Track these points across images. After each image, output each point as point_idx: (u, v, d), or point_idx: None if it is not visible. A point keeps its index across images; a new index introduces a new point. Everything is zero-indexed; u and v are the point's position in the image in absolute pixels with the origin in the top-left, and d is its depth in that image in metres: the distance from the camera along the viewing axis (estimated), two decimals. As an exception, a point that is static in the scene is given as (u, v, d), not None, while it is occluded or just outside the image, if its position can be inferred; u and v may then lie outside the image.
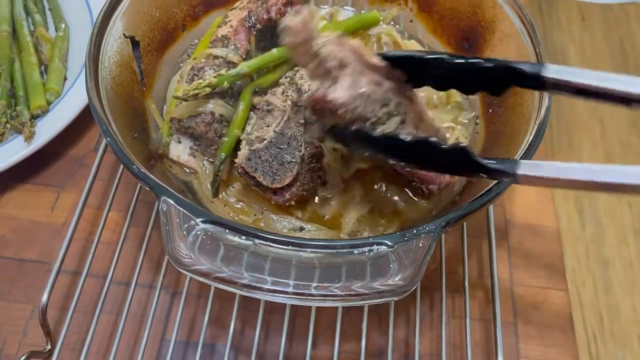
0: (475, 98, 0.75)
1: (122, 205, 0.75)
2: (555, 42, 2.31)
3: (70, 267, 0.71)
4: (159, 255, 0.72)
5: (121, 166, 0.73)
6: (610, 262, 1.78)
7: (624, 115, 2.10)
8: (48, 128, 0.78)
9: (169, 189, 0.53)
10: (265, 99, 0.69)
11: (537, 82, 0.51)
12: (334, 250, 0.51)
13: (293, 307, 0.66)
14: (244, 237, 0.51)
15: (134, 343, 0.67)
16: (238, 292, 0.52)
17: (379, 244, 0.51)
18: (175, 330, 0.63)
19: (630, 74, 0.46)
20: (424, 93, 0.77)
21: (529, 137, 0.59)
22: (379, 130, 0.56)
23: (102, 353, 0.66)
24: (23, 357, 0.61)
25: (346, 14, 0.85)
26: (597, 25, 2.38)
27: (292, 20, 0.52)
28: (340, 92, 0.53)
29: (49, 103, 0.82)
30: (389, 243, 0.51)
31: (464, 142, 0.73)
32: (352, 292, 0.50)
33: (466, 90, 0.57)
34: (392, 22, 0.83)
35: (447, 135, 0.72)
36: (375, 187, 0.68)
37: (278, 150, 0.63)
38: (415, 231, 0.51)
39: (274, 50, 0.71)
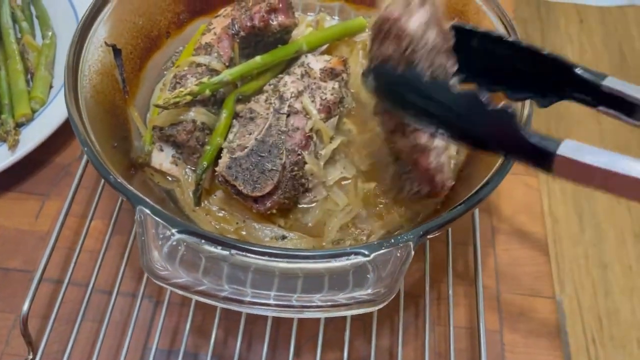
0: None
1: (106, 213, 0.75)
2: (553, 44, 2.31)
3: (53, 276, 0.71)
4: (142, 263, 0.72)
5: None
6: (610, 265, 1.77)
7: (621, 117, 2.09)
8: (33, 136, 0.78)
9: (145, 198, 0.53)
10: (249, 106, 0.69)
11: (594, 92, 0.48)
12: (311, 261, 0.50)
13: (275, 316, 0.66)
14: (220, 248, 0.51)
15: (116, 351, 0.66)
16: (218, 304, 0.51)
17: (356, 253, 0.51)
18: (157, 339, 0.63)
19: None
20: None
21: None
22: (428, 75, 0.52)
23: (84, 362, 0.66)
24: (4, 367, 0.61)
25: (332, 21, 0.85)
26: (596, 27, 2.38)
27: None
28: (415, 20, 0.51)
29: (34, 111, 0.82)
30: (366, 252, 0.50)
31: (452, 146, 0.72)
32: (333, 303, 0.50)
33: (514, 92, 0.54)
34: (378, 29, 0.83)
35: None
36: (360, 194, 0.68)
37: (259, 158, 0.63)
38: (392, 240, 0.51)
39: (258, 58, 0.71)
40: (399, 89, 0.53)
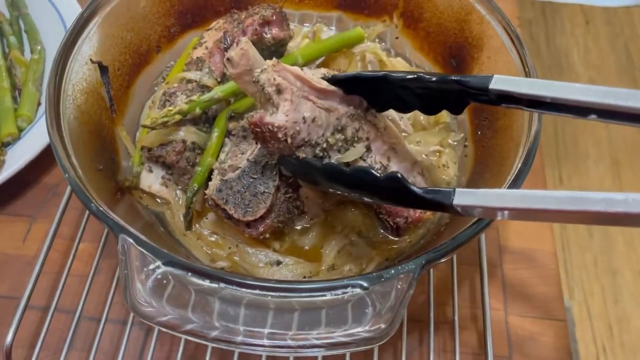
0: (464, 119, 0.71)
1: (95, 235, 0.72)
2: (558, 46, 2.27)
3: (40, 303, 0.68)
4: (133, 288, 0.69)
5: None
6: (619, 271, 1.74)
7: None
8: (19, 156, 0.75)
9: (128, 227, 0.50)
10: (241, 124, 0.66)
11: (485, 94, 0.49)
12: (304, 294, 0.47)
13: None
14: (208, 281, 0.47)
15: (104, 383, 0.63)
16: (209, 344, 0.48)
17: (353, 286, 0.47)
18: (147, 369, 0.60)
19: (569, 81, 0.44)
20: (411, 113, 0.73)
21: (518, 164, 0.55)
22: (327, 160, 0.56)
23: (70, 394, 0.63)
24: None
25: (329, 32, 0.82)
26: (602, 28, 2.34)
27: (232, 51, 0.54)
28: (279, 116, 0.53)
29: (20, 130, 0.79)
30: (364, 284, 0.47)
31: (452, 166, 0.69)
32: (331, 341, 0.46)
33: (428, 110, 0.56)
34: (377, 40, 0.80)
35: (433, 159, 0.68)
36: (358, 218, 0.65)
37: (251, 180, 0.60)
38: (393, 271, 0.48)
39: (251, 73, 0.68)
40: (305, 172, 0.57)
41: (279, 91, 0.53)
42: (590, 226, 1.81)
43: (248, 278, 0.48)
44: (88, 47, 0.64)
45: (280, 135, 0.53)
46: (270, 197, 0.59)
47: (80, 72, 0.62)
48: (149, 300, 0.46)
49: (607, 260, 1.75)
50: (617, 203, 0.38)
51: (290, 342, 0.46)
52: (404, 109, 0.58)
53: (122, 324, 0.67)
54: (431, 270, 0.67)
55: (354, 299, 0.47)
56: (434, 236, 0.62)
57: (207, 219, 0.65)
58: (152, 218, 0.64)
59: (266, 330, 0.46)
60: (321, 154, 0.56)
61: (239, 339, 0.46)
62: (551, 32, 2.32)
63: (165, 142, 0.64)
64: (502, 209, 0.43)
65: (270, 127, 0.53)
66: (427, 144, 0.69)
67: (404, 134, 0.71)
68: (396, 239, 0.64)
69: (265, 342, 0.46)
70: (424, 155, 0.68)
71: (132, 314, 0.64)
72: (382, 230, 0.64)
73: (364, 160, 0.58)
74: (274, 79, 0.52)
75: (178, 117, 0.62)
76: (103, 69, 0.65)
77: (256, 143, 0.60)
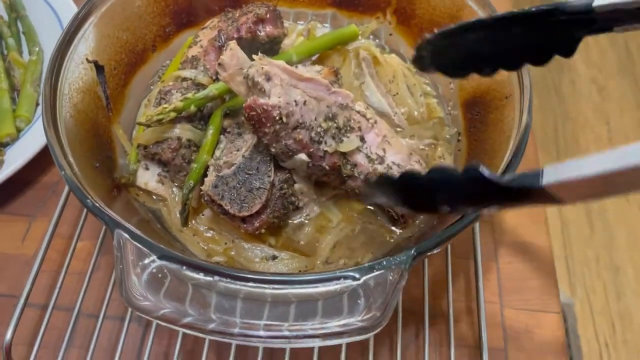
0: (457, 114, 0.72)
1: (94, 233, 0.73)
2: (557, 44, 2.27)
3: (39, 301, 0.69)
4: (131, 285, 0.69)
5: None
6: (622, 267, 1.73)
7: (630, 115, 2.05)
8: (18, 156, 0.76)
9: (123, 222, 0.50)
10: (236, 121, 0.66)
11: (590, 17, 0.44)
12: (297, 286, 0.48)
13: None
14: (203, 274, 0.48)
15: (103, 379, 0.64)
16: (207, 337, 0.49)
17: (345, 277, 0.48)
18: (146, 365, 0.60)
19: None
20: (405, 108, 0.74)
21: (509, 157, 0.56)
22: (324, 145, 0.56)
23: (69, 390, 0.64)
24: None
25: (324, 29, 0.82)
26: (601, 25, 2.34)
27: (223, 55, 0.56)
28: (272, 98, 0.54)
29: (19, 130, 0.80)
30: (356, 276, 0.48)
31: (448, 158, 0.69)
32: (326, 331, 0.47)
33: (537, 59, 0.50)
34: (371, 37, 0.80)
35: (428, 151, 0.69)
36: (355, 211, 0.65)
37: (246, 176, 0.60)
38: (384, 262, 0.48)
39: (245, 70, 0.68)
40: (403, 192, 0.49)
41: (269, 78, 0.54)
42: (592, 222, 1.81)
43: (242, 271, 0.48)
44: (84, 46, 0.65)
45: (275, 114, 0.54)
46: (266, 192, 0.60)
47: (77, 72, 0.63)
48: (144, 294, 0.47)
49: (609, 256, 1.75)
50: None
51: (286, 333, 0.46)
52: (513, 64, 0.53)
53: (121, 320, 0.67)
54: (426, 264, 0.68)
55: (347, 290, 0.48)
56: (427, 230, 0.62)
57: (203, 215, 0.65)
58: (148, 215, 0.65)
59: (262, 322, 0.47)
60: (317, 138, 0.57)
61: (236, 330, 0.46)
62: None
63: (161, 140, 0.64)
64: (607, 176, 0.35)
65: (264, 106, 0.54)
66: (421, 138, 0.70)
67: (398, 129, 0.72)
68: (399, 230, 0.64)
69: (262, 333, 0.46)
70: (420, 147, 0.69)
71: (130, 310, 0.64)
72: (386, 224, 0.65)
73: (360, 151, 0.58)
74: (262, 68, 0.54)
75: (173, 114, 0.62)
76: (99, 68, 0.66)
77: (252, 134, 0.61)
